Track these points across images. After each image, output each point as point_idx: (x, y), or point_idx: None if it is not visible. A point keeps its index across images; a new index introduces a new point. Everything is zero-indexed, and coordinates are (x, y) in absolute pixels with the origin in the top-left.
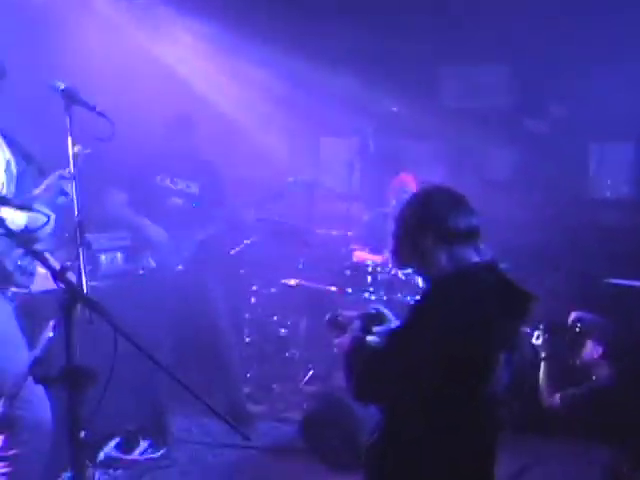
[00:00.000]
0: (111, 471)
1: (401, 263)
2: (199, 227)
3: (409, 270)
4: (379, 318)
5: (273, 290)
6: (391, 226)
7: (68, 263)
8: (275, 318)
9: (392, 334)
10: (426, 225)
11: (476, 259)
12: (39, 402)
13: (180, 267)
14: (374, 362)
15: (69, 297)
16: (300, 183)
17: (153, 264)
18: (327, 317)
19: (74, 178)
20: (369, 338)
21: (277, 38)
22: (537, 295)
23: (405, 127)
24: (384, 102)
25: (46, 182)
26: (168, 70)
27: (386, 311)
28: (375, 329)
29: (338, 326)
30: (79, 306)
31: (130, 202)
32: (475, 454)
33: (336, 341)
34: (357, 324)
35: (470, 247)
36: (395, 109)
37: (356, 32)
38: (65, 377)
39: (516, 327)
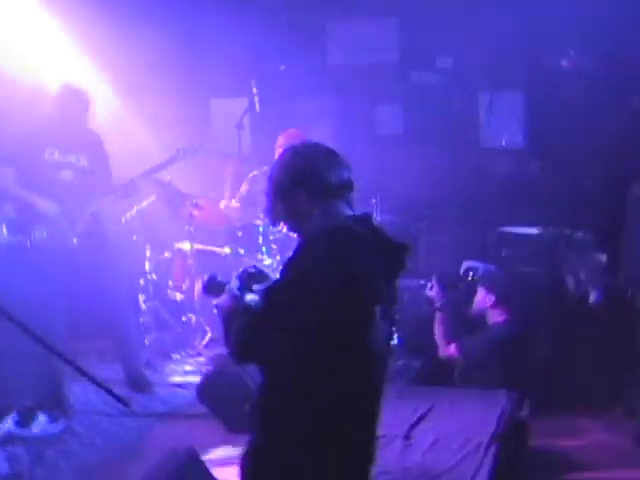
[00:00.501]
0: (10, 448)
1: (275, 221)
2: (90, 199)
3: (283, 228)
4: (258, 277)
5: (167, 255)
6: None
7: None
8: (170, 283)
9: (268, 292)
10: (298, 181)
11: (349, 213)
12: None
13: (75, 241)
14: (251, 321)
15: None
16: (190, 150)
17: (45, 235)
18: (204, 279)
19: None
20: (248, 297)
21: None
22: (411, 245)
23: (293, 85)
24: (270, 61)
25: None
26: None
27: (266, 269)
28: (254, 287)
29: (216, 288)
30: None
31: (18, 178)
32: (356, 407)
33: (214, 302)
34: (235, 283)
35: (343, 201)
36: (282, 67)
37: None
38: None
39: (393, 280)
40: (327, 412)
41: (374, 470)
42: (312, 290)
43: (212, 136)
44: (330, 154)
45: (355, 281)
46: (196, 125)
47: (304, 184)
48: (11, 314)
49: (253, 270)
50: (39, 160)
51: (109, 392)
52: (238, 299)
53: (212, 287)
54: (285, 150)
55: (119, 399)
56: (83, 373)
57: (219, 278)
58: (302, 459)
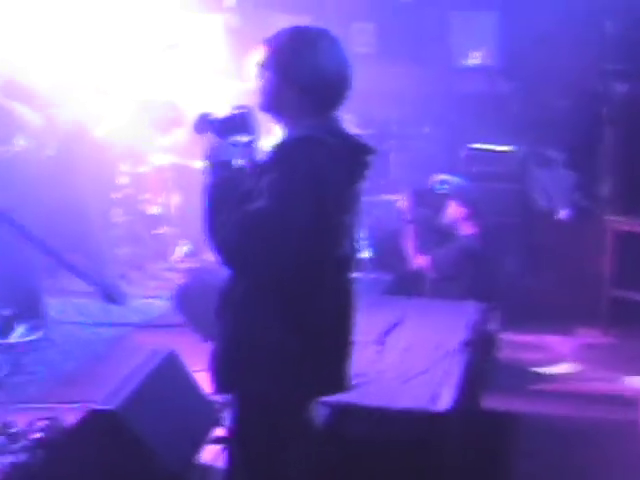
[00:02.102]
0: None
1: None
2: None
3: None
4: (243, 123)
5: (143, 169)
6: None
7: None
8: (147, 196)
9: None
10: (299, 80)
11: (326, 122)
12: None
13: (55, 145)
14: (250, 223)
15: None
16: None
17: (25, 143)
18: (195, 120)
19: None
20: (234, 162)
21: None
22: (375, 148)
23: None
24: None
25: None
26: None
27: (253, 116)
28: (235, 138)
29: (207, 125)
30: None
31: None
32: (328, 315)
33: (205, 153)
34: (217, 127)
35: (331, 110)
36: None
37: None
38: None
39: (357, 183)
40: (297, 307)
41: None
42: (290, 196)
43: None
44: (340, 50)
45: (322, 189)
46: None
47: (304, 87)
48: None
49: (240, 113)
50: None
51: (93, 281)
52: (232, 171)
53: (202, 124)
54: (302, 32)
55: (107, 295)
56: (68, 265)
57: (208, 117)
58: (273, 347)
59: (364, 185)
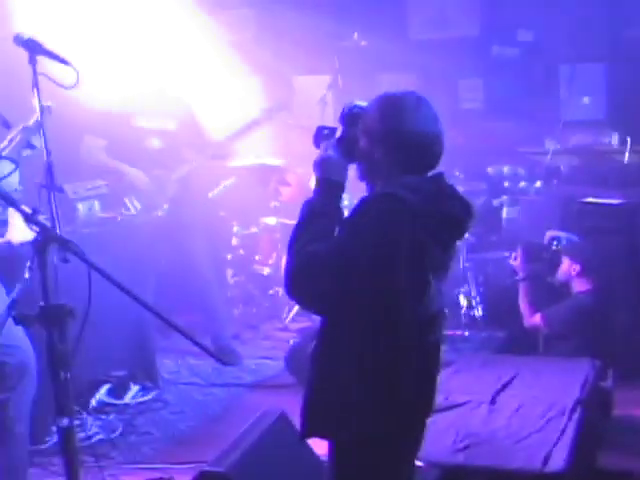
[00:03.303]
0: (103, 417)
1: (354, 159)
2: (177, 166)
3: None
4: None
5: (254, 230)
6: None
7: (38, 205)
8: (257, 258)
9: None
10: (383, 137)
11: (414, 178)
12: (22, 346)
13: (166, 206)
14: (321, 256)
15: (41, 237)
16: (274, 108)
17: (139, 206)
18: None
19: (41, 128)
20: (342, 165)
21: None
22: (473, 212)
23: (374, 61)
24: (352, 37)
25: (10, 135)
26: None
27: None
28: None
29: (324, 138)
30: (53, 246)
31: (108, 148)
32: (411, 373)
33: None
34: (339, 131)
35: (416, 165)
36: (364, 43)
37: None
38: (42, 315)
39: (448, 248)
40: (377, 364)
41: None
42: (359, 247)
43: (296, 114)
44: (427, 111)
45: (412, 247)
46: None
47: (387, 144)
48: (109, 275)
49: (357, 110)
50: (126, 128)
51: (204, 348)
52: (338, 196)
53: (320, 138)
54: (389, 96)
55: (212, 354)
56: (178, 328)
57: (326, 127)
58: (354, 399)
59: (456, 247)
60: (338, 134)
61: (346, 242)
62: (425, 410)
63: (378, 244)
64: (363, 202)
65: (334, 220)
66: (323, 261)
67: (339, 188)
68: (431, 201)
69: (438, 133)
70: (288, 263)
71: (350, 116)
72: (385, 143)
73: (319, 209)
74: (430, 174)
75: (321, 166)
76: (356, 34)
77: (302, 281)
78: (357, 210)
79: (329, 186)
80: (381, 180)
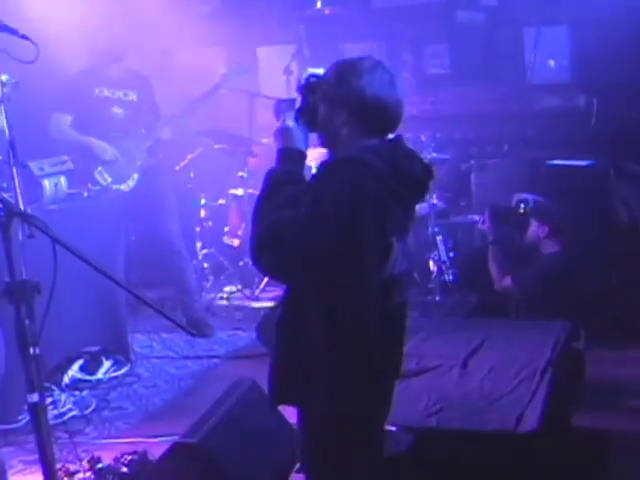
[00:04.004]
0: (77, 393)
1: (312, 125)
2: (144, 135)
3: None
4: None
5: (222, 202)
6: None
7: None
8: (226, 229)
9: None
10: (345, 100)
11: (376, 141)
12: None
13: (136, 176)
14: (282, 223)
15: (4, 212)
16: (234, 71)
17: (109, 179)
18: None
19: (1, 103)
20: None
21: None
22: (432, 174)
23: (338, 29)
24: (316, 6)
25: None
26: None
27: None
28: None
29: (284, 108)
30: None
31: (73, 122)
32: (377, 337)
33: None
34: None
35: (379, 129)
36: (327, 11)
37: None
38: (8, 291)
39: (409, 210)
40: (342, 325)
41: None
42: (325, 213)
43: (261, 84)
44: (383, 74)
45: (360, 208)
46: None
47: (346, 108)
48: (74, 249)
49: (313, 79)
50: (90, 99)
51: (172, 321)
52: (299, 163)
53: (279, 111)
54: (345, 62)
55: (183, 328)
56: (148, 303)
57: (285, 100)
58: (320, 365)
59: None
60: (297, 105)
61: (312, 208)
62: (393, 373)
63: (344, 209)
64: (326, 167)
65: (297, 188)
66: (290, 228)
67: (301, 156)
68: (392, 163)
69: (396, 97)
70: (253, 232)
71: (307, 86)
72: (344, 107)
73: (281, 178)
74: (390, 137)
75: (281, 135)
76: (319, 3)
77: (269, 249)
78: (320, 175)
79: (290, 154)
80: (342, 145)
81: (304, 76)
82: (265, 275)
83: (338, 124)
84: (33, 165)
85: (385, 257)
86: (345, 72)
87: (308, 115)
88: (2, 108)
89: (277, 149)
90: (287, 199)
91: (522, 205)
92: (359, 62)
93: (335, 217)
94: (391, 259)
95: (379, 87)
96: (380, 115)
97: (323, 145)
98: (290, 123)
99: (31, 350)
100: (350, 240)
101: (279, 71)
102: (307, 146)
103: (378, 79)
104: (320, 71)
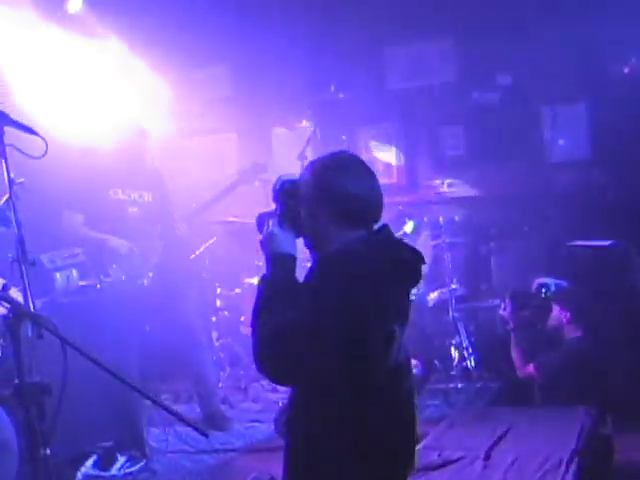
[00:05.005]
0: None
1: (299, 231)
2: (160, 234)
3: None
4: (291, 191)
5: (237, 291)
6: None
7: (2, 281)
8: (242, 319)
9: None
10: (323, 200)
11: (364, 234)
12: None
13: (151, 274)
14: (284, 331)
15: (12, 314)
16: (251, 170)
17: (123, 277)
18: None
19: (12, 204)
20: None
21: (218, 35)
22: (422, 256)
23: (353, 113)
24: (330, 89)
25: None
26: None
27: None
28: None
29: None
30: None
31: (87, 221)
32: (385, 426)
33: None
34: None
35: (363, 223)
36: (341, 95)
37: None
38: (18, 394)
39: (409, 293)
40: (353, 421)
41: None
42: (334, 315)
43: (275, 168)
44: (358, 167)
45: (376, 302)
46: (259, 157)
47: (327, 206)
48: (87, 352)
49: (288, 184)
50: (104, 200)
51: (186, 422)
52: (290, 269)
53: (262, 224)
54: (321, 161)
55: (197, 429)
56: (160, 404)
57: (266, 212)
58: (333, 460)
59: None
60: (277, 211)
61: (311, 308)
62: (406, 461)
63: (344, 306)
64: (318, 264)
65: (292, 291)
66: (290, 329)
67: (292, 259)
68: (383, 250)
69: (376, 187)
70: (255, 338)
71: (283, 191)
72: (327, 206)
73: (275, 283)
74: (376, 227)
75: (267, 243)
76: (333, 86)
77: (272, 352)
78: (314, 273)
79: (280, 259)
80: (331, 242)
81: (277, 183)
82: (271, 380)
83: (323, 223)
84: (44, 258)
85: (390, 347)
86: (322, 171)
87: (291, 219)
88: (12, 205)
89: (265, 256)
90: (283, 304)
91: (543, 290)
92: (334, 159)
93: (335, 316)
94: (395, 346)
95: (358, 180)
96: (363, 208)
97: (311, 247)
98: (275, 229)
99: (41, 451)
100: (352, 336)
101: (293, 155)
102: (295, 249)
103: (355, 172)
104: (293, 176)
